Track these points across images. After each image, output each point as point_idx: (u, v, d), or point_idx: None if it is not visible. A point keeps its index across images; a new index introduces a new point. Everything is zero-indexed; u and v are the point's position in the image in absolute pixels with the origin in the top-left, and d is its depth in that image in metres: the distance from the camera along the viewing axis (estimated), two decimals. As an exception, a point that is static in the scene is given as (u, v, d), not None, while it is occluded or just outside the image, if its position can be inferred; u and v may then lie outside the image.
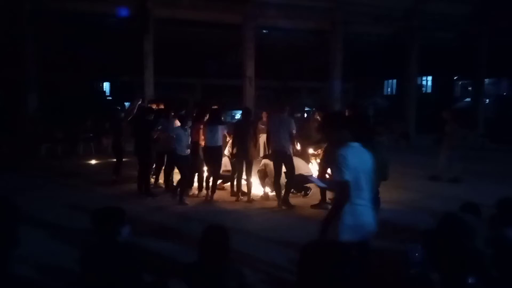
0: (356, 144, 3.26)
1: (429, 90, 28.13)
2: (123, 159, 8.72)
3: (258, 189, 7.83)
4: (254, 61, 14.70)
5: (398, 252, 4.37)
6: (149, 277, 2.91)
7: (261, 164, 7.83)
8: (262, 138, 12.00)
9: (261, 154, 11.10)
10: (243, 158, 7.27)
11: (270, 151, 7.25)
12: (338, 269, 1.93)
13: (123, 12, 12.93)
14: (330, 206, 6.74)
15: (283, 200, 6.99)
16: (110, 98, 25.16)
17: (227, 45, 17.56)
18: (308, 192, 7.69)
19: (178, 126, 7.24)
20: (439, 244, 2.76)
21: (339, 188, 3.15)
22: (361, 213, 3.17)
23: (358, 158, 3.19)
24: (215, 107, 7.91)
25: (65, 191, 8.07)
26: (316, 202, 7.00)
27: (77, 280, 2.86)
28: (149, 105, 8.69)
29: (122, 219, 2.83)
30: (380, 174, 4.02)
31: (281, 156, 6.94)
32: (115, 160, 8.75)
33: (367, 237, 3.32)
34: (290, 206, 6.95)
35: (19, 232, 2.67)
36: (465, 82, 26.28)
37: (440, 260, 2.74)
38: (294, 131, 7.00)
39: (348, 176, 3.08)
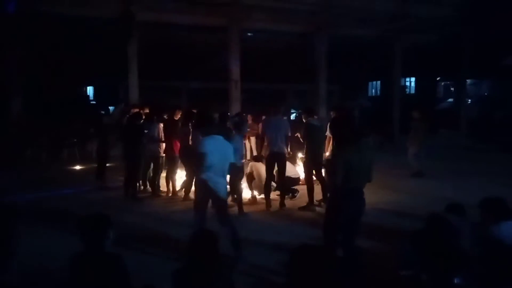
0: (219, 137, 4.69)
1: (412, 91, 28.51)
2: (108, 164, 8.62)
3: (246, 192, 7.80)
4: (240, 64, 14.69)
5: (388, 252, 4.41)
6: (136, 283, 2.88)
7: (248, 167, 7.78)
8: (250, 140, 12.01)
9: (248, 157, 11.12)
10: None
11: (266, 153, 7.19)
12: (326, 271, 1.94)
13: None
14: (317, 208, 6.87)
15: (280, 203, 7.07)
16: (94, 102, 24.89)
17: (212, 48, 17.51)
18: (295, 195, 7.68)
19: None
20: (427, 244, 2.81)
21: (197, 157, 4.53)
22: (216, 183, 4.50)
23: (215, 146, 4.50)
24: (195, 110, 7.83)
25: (49, 197, 7.92)
26: (304, 204, 7.03)
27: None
28: (132, 109, 8.62)
29: (107, 225, 2.82)
30: (366, 175, 4.07)
31: (278, 158, 6.97)
32: (97, 165, 8.65)
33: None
34: (283, 205, 7.06)
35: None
36: (448, 83, 26.73)
37: (428, 260, 2.78)
38: (289, 134, 7.12)
39: (204, 150, 4.43)
